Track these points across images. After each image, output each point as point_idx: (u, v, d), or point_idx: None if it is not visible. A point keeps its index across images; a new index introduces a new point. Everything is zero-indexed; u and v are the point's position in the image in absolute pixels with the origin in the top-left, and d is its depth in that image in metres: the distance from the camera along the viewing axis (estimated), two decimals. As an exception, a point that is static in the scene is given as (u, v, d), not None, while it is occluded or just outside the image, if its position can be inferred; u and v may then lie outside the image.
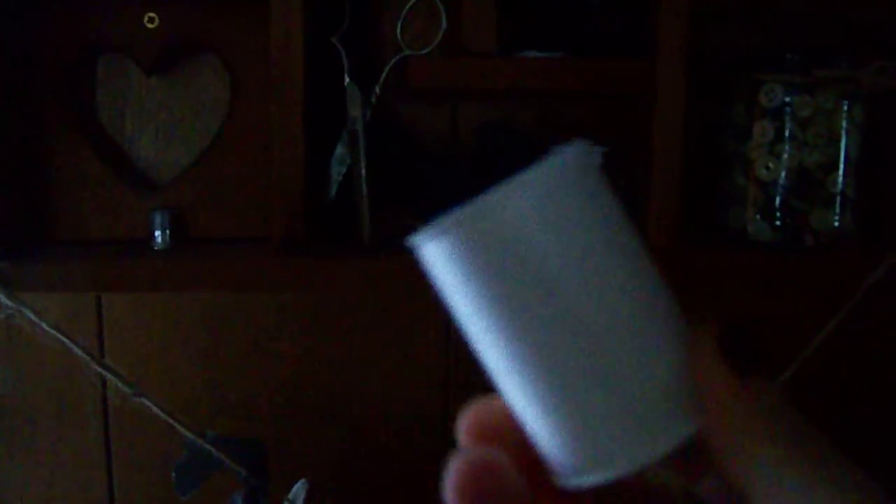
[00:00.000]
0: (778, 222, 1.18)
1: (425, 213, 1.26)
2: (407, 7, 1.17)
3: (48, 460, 1.25)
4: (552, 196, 0.37)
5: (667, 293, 0.40)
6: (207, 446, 1.10)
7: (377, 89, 1.15)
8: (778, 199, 1.18)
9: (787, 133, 1.17)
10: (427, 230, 0.39)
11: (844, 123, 1.17)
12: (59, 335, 1.09)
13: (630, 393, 0.37)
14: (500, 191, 0.38)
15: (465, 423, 0.41)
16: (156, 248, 1.17)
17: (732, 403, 0.36)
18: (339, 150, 1.15)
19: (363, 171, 1.12)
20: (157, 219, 1.16)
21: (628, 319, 0.38)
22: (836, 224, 1.19)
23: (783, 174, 1.17)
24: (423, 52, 1.16)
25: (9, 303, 1.04)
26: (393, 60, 1.16)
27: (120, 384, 1.10)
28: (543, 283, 0.37)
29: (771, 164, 1.17)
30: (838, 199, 1.18)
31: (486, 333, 0.40)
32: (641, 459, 0.38)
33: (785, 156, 1.17)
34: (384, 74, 1.16)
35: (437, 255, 0.39)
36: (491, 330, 0.39)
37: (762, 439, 0.35)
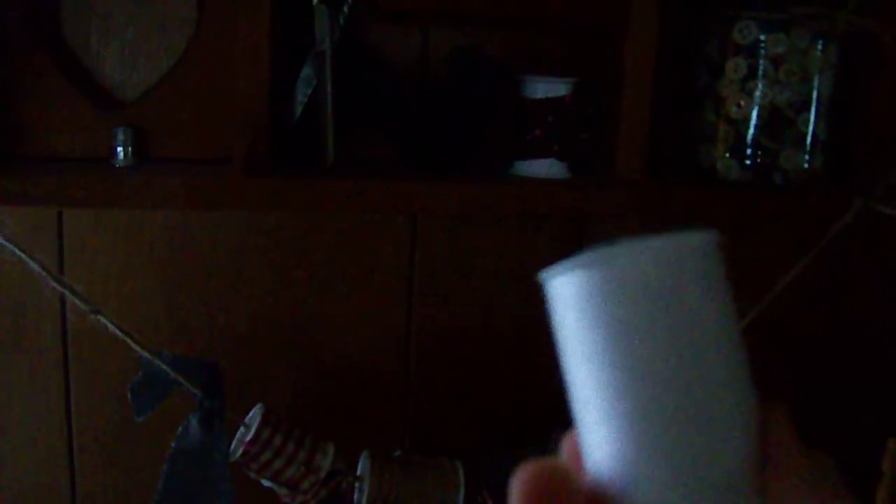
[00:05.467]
0: (748, 161, 1.17)
1: (392, 137, 1.25)
2: (379, -73, 1.15)
3: (5, 379, 1.23)
4: (675, 264, 0.41)
5: (750, 374, 0.43)
6: (163, 366, 1.09)
7: (346, 10, 1.13)
8: (748, 138, 1.17)
9: (759, 70, 1.15)
10: (558, 266, 0.42)
11: (818, 62, 1.16)
12: (15, 248, 1.08)
13: (711, 459, 0.41)
14: (632, 245, 0.41)
15: (522, 486, 0.41)
16: (117, 165, 1.15)
17: (798, 466, 0.41)
18: (306, 71, 1.13)
19: (329, 93, 1.11)
20: (120, 135, 1.15)
21: (720, 390, 0.41)
22: (806, 165, 1.18)
23: (754, 112, 1.16)
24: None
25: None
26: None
27: (76, 300, 1.08)
28: (655, 336, 0.40)
29: (742, 102, 1.16)
30: (809, 139, 1.17)
31: (586, 368, 0.42)
32: None
33: (757, 93, 1.16)
34: (354, -5, 1.14)
35: (561, 289, 0.42)
36: (591, 365, 0.42)
37: (820, 499, 0.41)
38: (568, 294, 0.42)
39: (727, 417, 0.41)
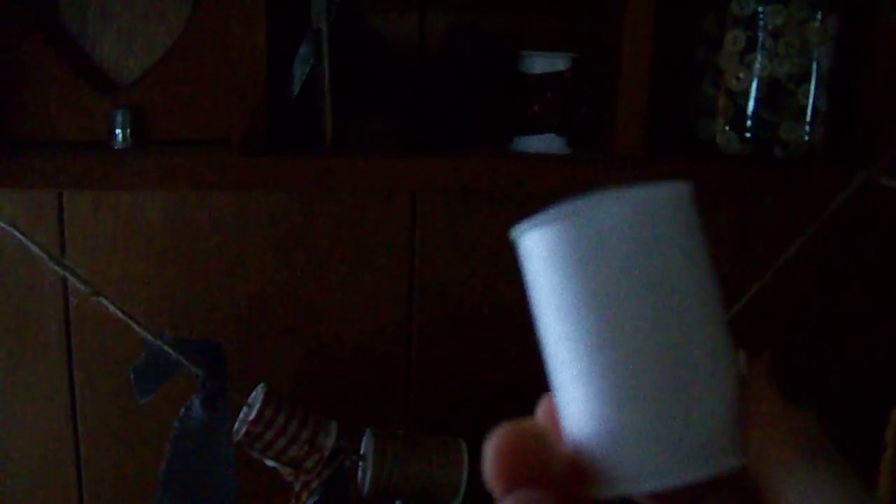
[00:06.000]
0: (748, 134, 1.17)
1: (389, 115, 1.25)
2: None
3: (9, 365, 1.24)
4: (649, 214, 0.40)
5: (728, 327, 0.42)
6: (165, 347, 1.09)
7: (343, -12, 1.13)
8: (748, 110, 1.16)
9: (758, 42, 1.15)
10: (528, 222, 0.41)
11: (817, 34, 1.15)
12: (15, 232, 1.08)
13: (692, 414, 0.40)
14: (604, 196, 0.40)
15: (495, 447, 0.40)
16: (116, 147, 1.15)
17: (778, 419, 0.41)
18: (304, 49, 1.13)
19: (326, 72, 1.11)
20: (118, 117, 1.15)
21: (700, 343, 0.40)
22: (807, 137, 1.17)
23: (754, 84, 1.16)
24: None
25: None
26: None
27: (77, 282, 1.08)
28: (632, 289, 0.39)
29: (741, 74, 1.16)
30: (809, 111, 1.17)
31: (561, 325, 0.41)
32: (686, 477, 0.40)
33: (756, 66, 1.15)
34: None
35: (533, 244, 0.41)
36: (566, 322, 0.40)
37: (800, 451, 0.40)
38: (539, 249, 0.41)
39: (707, 372, 0.40)
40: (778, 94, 1.16)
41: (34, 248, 1.07)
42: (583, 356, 0.40)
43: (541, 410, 0.43)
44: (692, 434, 0.39)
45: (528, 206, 1.30)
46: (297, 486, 1.12)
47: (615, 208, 0.39)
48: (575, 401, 0.41)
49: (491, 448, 0.39)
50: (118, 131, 1.15)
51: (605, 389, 0.40)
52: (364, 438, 1.16)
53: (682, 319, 0.40)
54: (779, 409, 0.41)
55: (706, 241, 0.42)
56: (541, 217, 0.40)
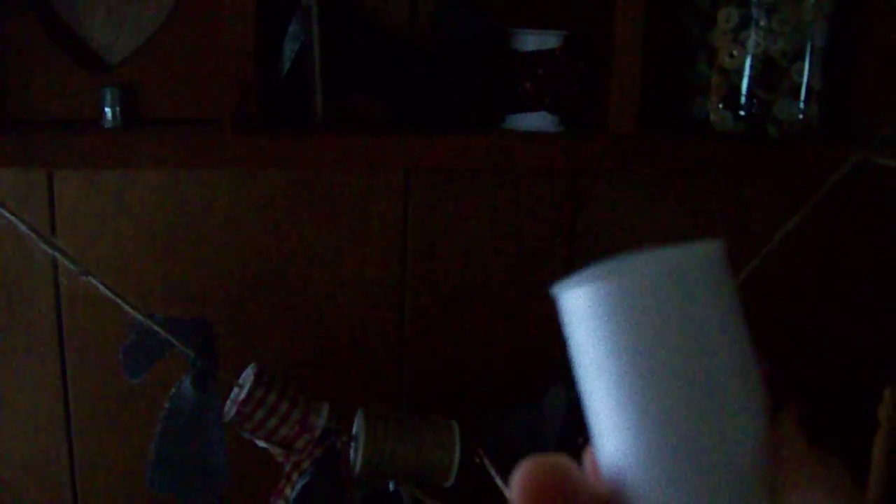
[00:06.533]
0: (742, 112, 1.16)
1: (381, 93, 1.24)
2: None
3: (0, 345, 1.23)
4: (684, 274, 0.43)
5: (758, 374, 0.45)
6: (155, 327, 1.08)
7: (332, -35, 1.12)
8: (742, 88, 1.15)
9: (752, 19, 1.14)
10: (571, 280, 0.44)
11: (811, 11, 1.14)
12: (4, 211, 1.07)
13: (722, 463, 0.42)
14: (644, 258, 0.43)
15: (523, 481, 0.40)
16: (106, 125, 1.14)
17: (806, 463, 0.42)
18: (293, 26, 1.12)
19: (316, 49, 1.10)
20: (108, 95, 1.14)
21: (732, 393, 0.43)
22: (801, 116, 1.16)
23: (748, 62, 1.15)
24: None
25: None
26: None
27: (66, 262, 1.08)
28: (667, 346, 0.42)
29: (735, 52, 1.15)
30: (803, 89, 1.16)
31: (599, 379, 0.44)
32: None
33: (750, 43, 1.14)
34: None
35: (572, 302, 0.44)
36: (604, 377, 0.43)
37: (827, 495, 0.41)
38: (579, 307, 0.43)
39: (737, 419, 0.43)
40: (772, 72, 1.15)
41: (23, 228, 1.07)
42: (618, 407, 0.43)
43: (586, 462, 0.44)
44: (721, 478, 0.42)
45: (522, 185, 1.30)
46: (288, 467, 1.11)
47: (650, 269, 0.42)
48: (611, 449, 0.43)
49: (518, 482, 0.40)
50: (108, 109, 1.14)
51: (638, 436, 0.42)
52: (356, 419, 1.16)
53: (714, 371, 0.42)
54: (806, 453, 0.42)
55: (736, 294, 0.44)
56: (580, 276, 0.44)
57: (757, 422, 0.43)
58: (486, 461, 1.14)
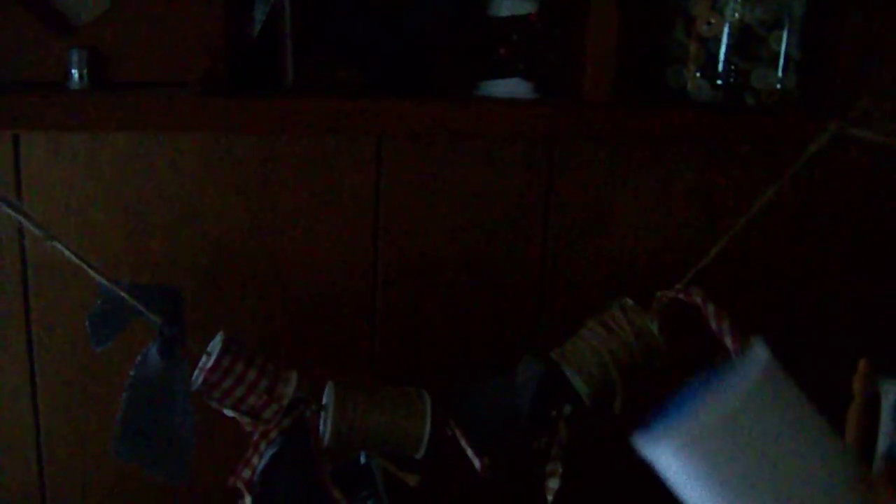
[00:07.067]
0: (719, 81, 1.15)
1: (351, 57, 1.22)
2: None
3: (-35, 313, 1.22)
4: (757, 392, 0.47)
5: (844, 449, 0.51)
6: (122, 293, 1.06)
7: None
8: (719, 56, 1.14)
9: (730, -13, 1.13)
10: (650, 432, 0.48)
11: (790, -22, 1.13)
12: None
13: None
14: (712, 389, 0.48)
15: None
16: (72, 87, 1.12)
17: None
18: (264, -11, 1.10)
19: (287, 12, 1.08)
20: (74, 56, 1.12)
21: (825, 483, 0.48)
22: (779, 85, 1.15)
23: (725, 30, 1.14)
24: None
25: None
26: None
27: (32, 227, 1.06)
28: (752, 465, 0.47)
29: (713, 20, 1.14)
30: (781, 58, 1.15)
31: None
32: None
33: (727, 10, 1.13)
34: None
35: (658, 455, 0.48)
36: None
37: None
38: (664, 457, 0.48)
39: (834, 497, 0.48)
40: (750, 40, 1.14)
41: (-15, 192, 1.05)
42: None
43: None
44: None
45: (495, 152, 1.28)
46: (256, 436, 1.10)
47: (715, 405, 0.46)
48: None
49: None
50: (74, 71, 1.12)
51: None
52: (326, 389, 1.14)
53: (799, 472, 0.47)
54: None
55: (799, 389, 0.49)
56: (655, 428, 0.48)
57: (850, 494, 0.48)
58: (458, 432, 1.12)
